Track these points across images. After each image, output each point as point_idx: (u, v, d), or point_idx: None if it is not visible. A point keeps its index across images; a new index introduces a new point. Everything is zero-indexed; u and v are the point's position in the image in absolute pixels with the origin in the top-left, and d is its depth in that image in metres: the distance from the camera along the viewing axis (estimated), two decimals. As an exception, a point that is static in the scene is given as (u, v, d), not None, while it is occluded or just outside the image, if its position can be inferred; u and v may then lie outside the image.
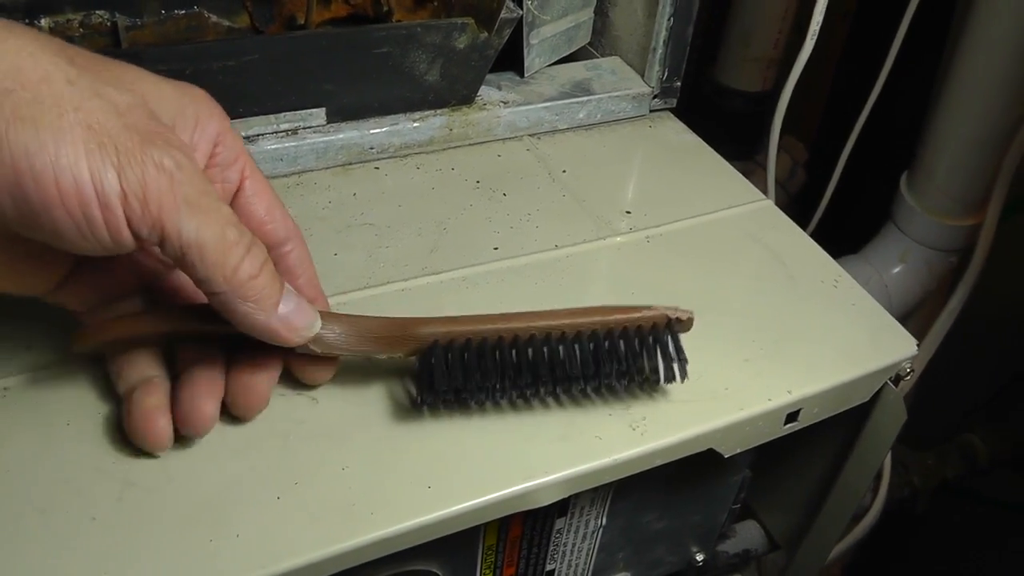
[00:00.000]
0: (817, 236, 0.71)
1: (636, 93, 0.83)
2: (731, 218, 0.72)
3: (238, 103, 0.66)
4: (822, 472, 0.73)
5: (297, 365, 0.52)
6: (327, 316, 0.49)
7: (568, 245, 0.67)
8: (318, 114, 0.70)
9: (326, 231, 0.66)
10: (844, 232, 1.17)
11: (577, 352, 0.51)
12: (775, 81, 1.49)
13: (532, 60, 0.81)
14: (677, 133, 0.83)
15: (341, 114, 0.72)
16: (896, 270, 1.19)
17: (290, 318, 0.46)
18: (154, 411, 0.48)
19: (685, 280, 0.65)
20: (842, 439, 0.69)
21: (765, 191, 0.80)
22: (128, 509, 0.46)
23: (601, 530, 0.67)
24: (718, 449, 0.56)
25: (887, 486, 1.22)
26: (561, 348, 0.51)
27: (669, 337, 0.53)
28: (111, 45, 0.69)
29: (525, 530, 0.62)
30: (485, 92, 0.78)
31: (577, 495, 0.59)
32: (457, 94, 0.75)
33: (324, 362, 0.52)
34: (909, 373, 0.63)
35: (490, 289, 0.63)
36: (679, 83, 0.85)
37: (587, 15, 0.86)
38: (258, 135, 0.69)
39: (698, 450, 0.55)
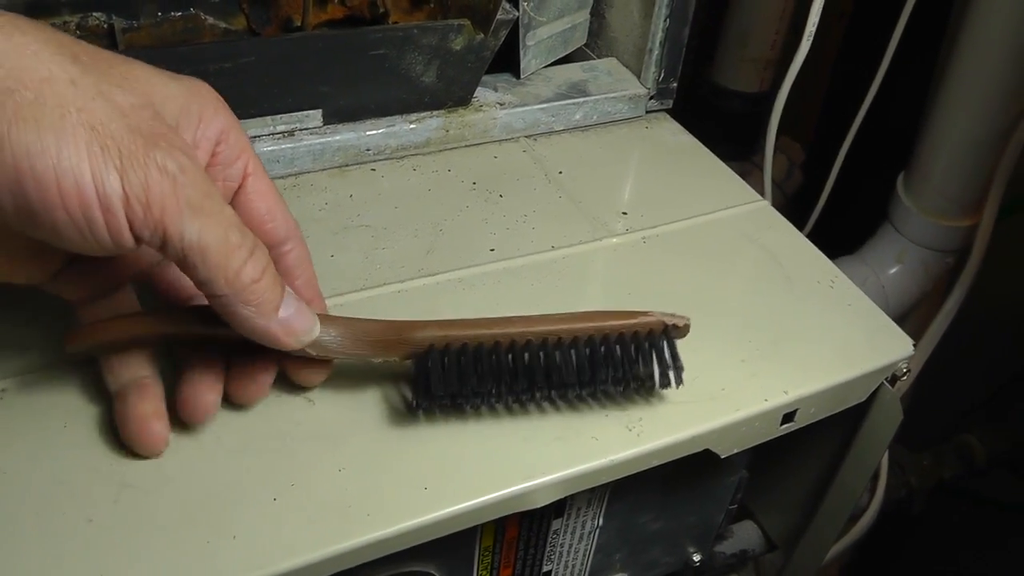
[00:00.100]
0: (814, 237, 0.71)
1: (632, 94, 0.83)
2: (727, 219, 0.72)
3: (234, 105, 0.65)
4: (819, 472, 0.73)
5: (291, 367, 0.52)
6: (323, 319, 0.49)
7: (564, 246, 0.67)
8: (314, 116, 0.70)
9: (322, 233, 0.66)
10: (841, 233, 1.17)
11: (573, 358, 0.51)
12: (772, 82, 1.49)
13: (528, 61, 0.81)
14: (673, 134, 0.83)
15: (338, 116, 0.72)
16: (893, 271, 1.19)
17: (290, 322, 0.46)
18: (150, 417, 0.48)
19: (681, 281, 0.65)
20: (839, 439, 0.69)
21: (762, 192, 0.80)
22: (125, 511, 0.46)
23: (598, 531, 0.67)
24: (714, 450, 0.56)
25: (884, 487, 1.22)
26: (557, 354, 0.51)
27: (665, 343, 0.53)
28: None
29: (522, 531, 0.62)
30: (481, 93, 0.78)
31: (574, 496, 0.59)
32: (453, 96, 0.75)
33: (318, 364, 0.52)
34: (905, 373, 0.63)
35: (486, 290, 0.63)
36: (675, 84, 0.85)
37: (583, 16, 0.87)
38: (255, 137, 0.69)
39: (694, 451, 0.55)
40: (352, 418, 0.52)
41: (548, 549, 0.65)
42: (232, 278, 0.42)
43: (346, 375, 0.54)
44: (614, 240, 0.69)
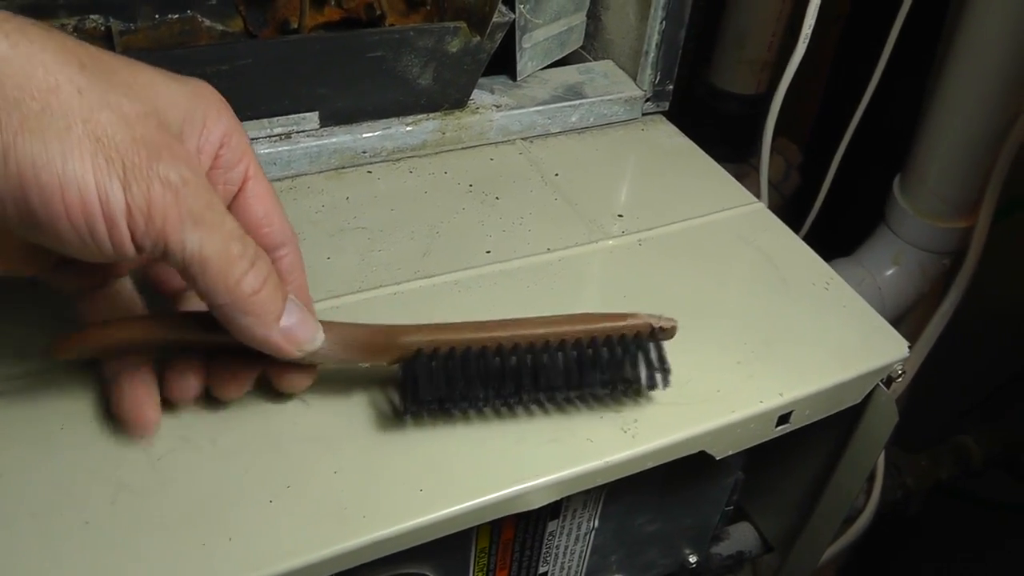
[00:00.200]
0: (811, 238, 0.71)
1: (628, 97, 0.83)
2: (723, 221, 0.72)
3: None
4: (815, 474, 0.73)
5: (275, 373, 0.51)
6: None
7: (560, 248, 0.67)
8: (311, 118, 0.71)
9: (319, 235, 0.66)
10: (838, 234, 1.17)
11: (560, 361, 0.52)
12: (769, 84, 1.49)
13: (525, 64, 0.81)
14: (669, 136, 0.83)
15: (334, 118, 0.72)
16: (889, 272, 1.19)
17: (292, 331, 0.46)
18: (144, 403, 0.49)
19: (677, 283, 0.66)
20: (834, 441, 0.70)
21: (758, 194, 0.80)
22: (121, 512, 0.46)
23: (594, 532, 0.67)
24: (710, 451, 0.56)
25: (880, 488, 1.22)
26: (545, 357, 0.51)
27: (652, 345, 0.53)
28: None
29: (517, 533, 0.62)
30: (478, 96, 0.79)
31: (569, 498, 0.59)
32: (450, 98, 0.76)
33: (302, 370, 0.51)
34: (901, 375, 0.63)
35: (482, 292, 0.63)
36: (671, 87, 0.85)
37: (579, 19, 0.87)
38: (252, 139, 0.69)
39: (690, 452, 0.55)
40: (348, 420, 0.52)
41: (544, 551, 0.65)
42: (232, 288, 0.43)
43: (342, 378, 0.54)
44: (610, 242, 0.69)
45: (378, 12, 0.76)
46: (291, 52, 0.67)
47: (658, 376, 0.53)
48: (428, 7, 0.78)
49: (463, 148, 0.78)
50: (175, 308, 0.53)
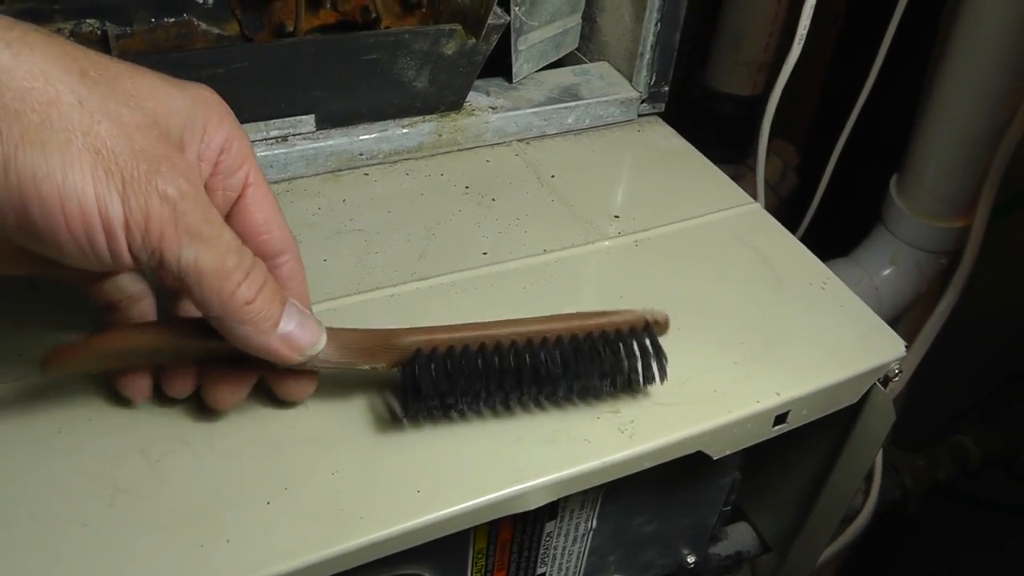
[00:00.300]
0: (808, 239, 0.72)
1: (624, 98, 0.84)
2: (719, 221, 0.73)
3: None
4: (812, 474, 0.74)
5: (276, 382, 0.51)
6: None
7: (557, 249, 0.67)
8: (307, 121, 0.71)
9: (316, 237, 0.66)
10: (835, 235, 1.17)
11: (558, 354, 0.52)
12: (765, 85, 1.49)
13: (520, 66, 0.81)
14: (665, 137, 0.84)
15: (330, 121, 0.72)
16: (886, 272, 1.19)
17: (292, 337, 0.46)
18: (140, 374, 0.49)
19: (673, 284, 0.66)
20: (832, 441, 0.70)
21: (755, 194, 0.80)
22: (119, 515, 0.46)
23: (591, 533, 0.67)
24: (707, 451, 0.56)
25: (878, 488, 1.22)
26: (542, 352, 0.52)
27: (647, 339, 0.54)
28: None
29: (515, 533, 0.62)
30: (474, 98, 0.79)
31: (567, 498, 0.59)
32: (446, 100, 0.76)
33: (303, 378, 0.51)
34: (898, 374, 0.63)
35: (479, 294, 0.63)
36: (667, 88, 0.85)
37: (575, 21, 0.87)
38: (248, 142, 0.69)
39: (687, 452, 0.55)
40: (345, 422, 0.52)
41: (542, 551, 0.65)
42: (227, 300, 0.43)
43: (339, 381, 0.54)
44: (606, 243, 0.69)
45: (374, 15, 0.77)
46: (287, 55, 0.67)
47: (654, 366, 0.53)
48: (423, 10, 0.78)
49: (459, 150, 0.78)
50: (177, 306, 0.52)
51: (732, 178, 0.79)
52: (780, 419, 0.59)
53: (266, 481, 0.48)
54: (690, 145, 0.83)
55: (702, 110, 1.53)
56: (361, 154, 0.73)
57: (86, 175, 0.38)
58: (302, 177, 0.72)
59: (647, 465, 0.54)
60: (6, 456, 0.48)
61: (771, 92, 0.97)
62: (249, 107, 0.68)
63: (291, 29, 0.76)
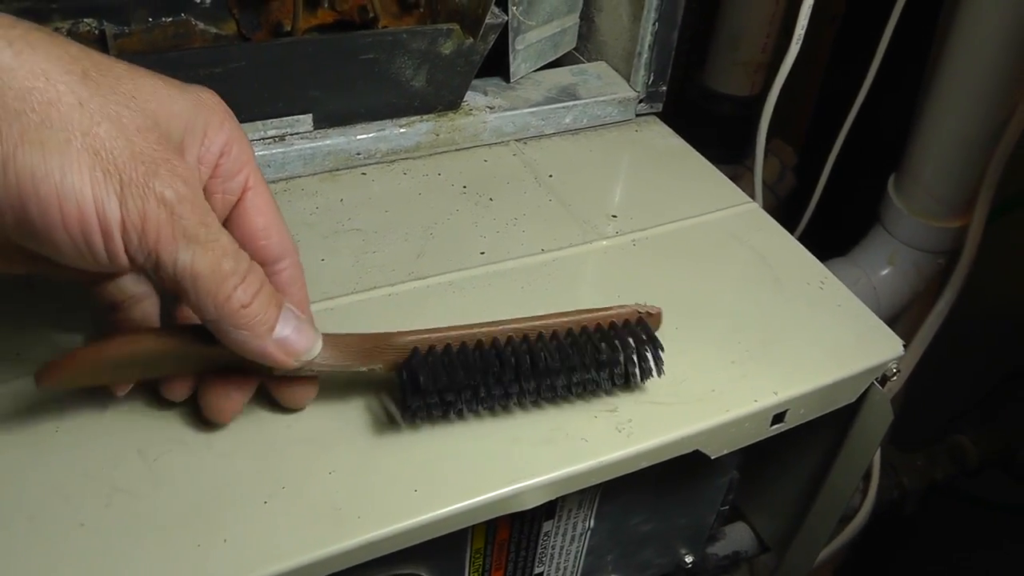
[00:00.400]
0: (806, 239, 0.71)
1: (622, 98, 0.84)
2: (717, 221, 0.73)
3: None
4: (810, 473, 0.74)
5: (277, 388, 0.51)
6: None
7: (554, 249, 0.67)
8: (305, 120, 0.71)
9: (313, 237, 0.66)
10: (833, 234, 1.17)
11: (555, 348, 0.52)
12: (763, 85, 1.49)
13: (518, 65, 0.81)
14: (663, 137, 0.84)
15: (328, 120, 0.72)
16: (884, 272, 1.19)
17: (287, 342, 0.46)
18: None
19: (671, 283, 0.66)
20: (830, 440, 0.70)
21: (753, 194, 0.80)
22: (116, 514, 0.46)
23: (589, 533, 0.67)
24: (704, 450, 0.56)
25: (876, 487, 1.22)
26: (540, 345, 0.52)
27: (642, 331, 0.54)
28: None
29: (513, 533, 0.62)
30: (471, 97, 0.79)
31: (564, 498, 0.59)
32: (443, 100, 0.76)
33: (304, 384, 0.51)
34: (895, 374, 0.63)
35: (477, 293, 0.63)
36: (665, 88, 0.85)
37: (572, 20, 0.87)
38: (245, 142, 0.69)
39: (684, 452, 0.55)
40: (342, 421, 0.52)
41: (539, 551, 0.65)
42: (222, 304, 0.43)
43: (337, 382, 0.54)
44: (604, 243, 0.69)
45: (371, 14, 0.77)
46: (284, 55, 0.67)
47: (651, 361, 0.54)
48: (421, 9, 0.78)
49: (457, 150, 0.78)
50: (177, 309, 0.52)
51: (730, 178, 0.79)
52: (778, 418, 0.59)
53: (263, 481, 0.48)
54: (688, 145, 0.83)
55: (700, 110, 1.53)
56: (359, 153, 0.73)
57: (84, 176, 0.38)
58: (300, 177, 0.72)
59: (644, 464, 0.54)
60: (3, 456, 0.48)
61: (769, 92, 0.97)
62: (247, 107, 0.68)
63: (289, 28, 0.76)
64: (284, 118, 0.70)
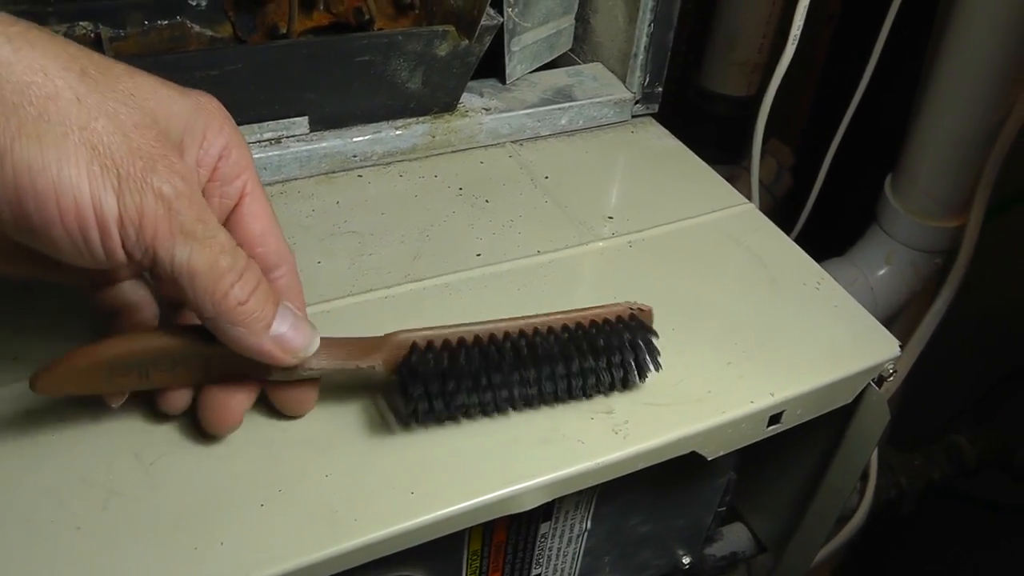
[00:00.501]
0: (803, 239, 0.72)
1: (618, 99, 0.84)
2: (713, 222, 0.73)
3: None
4: (807, 474, 0.74)
5: (276, 395, 0.51)
6: None
7: (550, 251, 0.67)
8: (301, 123, 0.71)
9: (309, 239, 0.66)
10: (830, 235, 1.18)
11: (554, 339, 0.52)
12: (760, 86, 1.49)
13: (514, 67, 0.81)
14: (659, 138, 0.84)
15: (324, 122, 0.72)
16: (881, 272, 1.19)
17: (284, 339, 0.46)
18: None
19: (667, 284, 0.66)
20: (827, 441, 0.70)
21: (750, 195, 0.80)
22: (113, 518, 0.46)
23: (586, 534, 0.67)
24: (701, 452, 0.56)
25: (874, 488, 1.22)
26: (538, 339, 0.52)
27: (637, 326, 0.54)
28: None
29: (510, 535, 0.62)
30: (467, 99, 0.79)
31: (561, 499, 0.59)
32: (439, 101, 0.76)
33: (303, 391, 0.51)
34: (892, 374, 0.63)
35: (473, 295, 0.63)
36: (661, 89, 0.85)
37: (568, 22, 0.87)
38: (241, 144, 0.69)
39: (681, 453, 0.55)
40: (338, 424, 0.52)
41: (537, 553, 0.65)
42: (219, 301, 0.43)
43: (334, 383, 0.54)
44: (600, 244, 0.69)
45: (367, 16, 0.77)
46: (280, 57, 0.67)
47: (647, 356, 0.54)
48: (416, 11, 0.78)
49: (453, 151, 0.78)
50: (178, 317, 0.52)
51: (727, 179, 0.79)
52: (774, 419, 0.59)
53: (260, 483, 0.48)
54: (684, 146, 0.83)
55: (697, 111, 1.53)
56: (355, 156, 0.73)
57: (81, 170, 0.38)
58: (296, 179, 0.72)
59: (641, 466, 0.54)
60: (0, 460, 0.48)
61: (765, 93, 0.97)
62: (243, 109, 0.67)
63: (284, 31, 0.76)
64: (280, 120, 0.70)
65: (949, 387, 1.38)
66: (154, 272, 0.42)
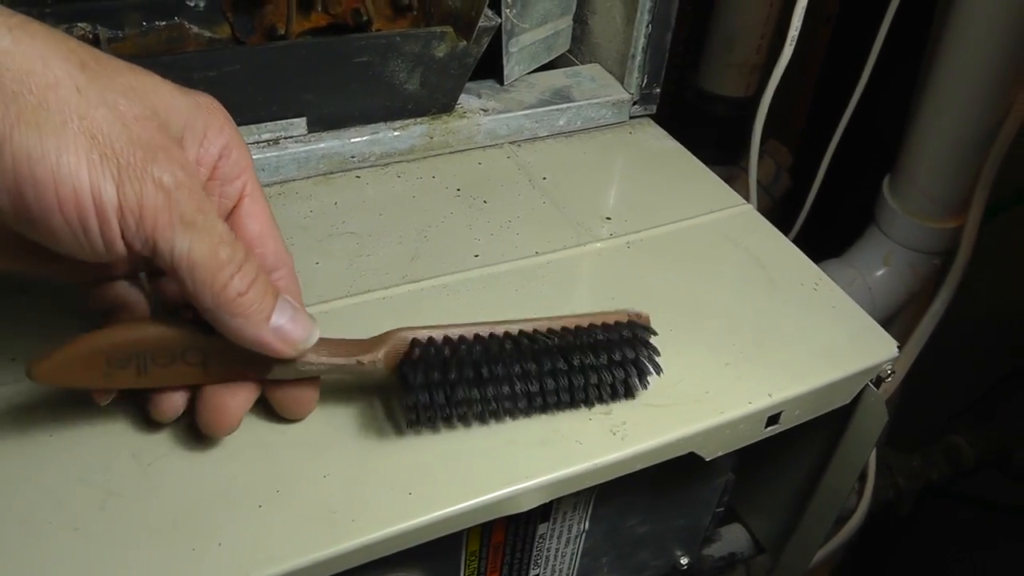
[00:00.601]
0: (801, 240, 0.72)
1: (616, 100, 0.84)
2: (711, 223, 0.73)
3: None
4: (806, 474, 0.74)
5: (276, 398, 0.51)
6: None
7: (548, 252, 0.67)
8: (299, 124, 0.71)
9: (307, 240, 0.66)
10: (828, 235, 1.18)
11: (555, 340, 0.52)
12: (758, 86, 1.49)
13: (512, 68, 0.81)
14: (657, 139, 0.84)
15: (322, 123, 0.72)
16: (880, 273, 1.20)
17: (284, 331, 0.46)
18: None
19: (665, 285, 0.66)
20: (825, 442, 0.70)
21: (748, 196, 0.80)
22: (110, 519, 0.46)
23: (584, 535, 0.67)
24: (699, 452, 0.56)
25: (872, 488, 1.22)
26: (540, 337, 0.52)
27: (636, 331, 0.54)
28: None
29: (508, 536, 0.62)
30: (465, 100, 0.79)
31: (559, 500, 0.59)
32: (437, 102, 0.76)
33: (303, 393, 0.51)
34: (890, 375, 0.63)
35: (471, 296, 0.63)
36: (659, 90, 0.85)
37: (566, 23, 0.87)
38: (239, 145, 0.69)
39: (679, 454, 0.55)
40: (336, 425, 0.52)
41: (535, 553, 0.65)
42: (219, 292, 0.43)
43: (332, 384, 0.54)
44: (598, 245, 0.69)
45: (365, 17, 0.77)
46: (278, 58, 0.67)
47: (646, 360, 0.54)
48: (415, 12, 0.78)
49: (451, 152, 0.78)
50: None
51: (725, 179, 0.79)
52: (772, 420, 0.59)
53: (257, 484, 0.48)
54: (682, 147, 0.83)
55: (695, 112, 1.53)
56: (353, 157, 0.73)
57: (81, 159, 0.38)
58: (294, 180, 0.72)
59: (639, 466, 0.54)
60: (-3, 460, 0.48)
61: (764, 93, 0.97)
62: (241, 110, 0.67)
63: (282, 32, 0.76)
64: (278, 121, 0.70)
65: (947, 388, 1.38)
66: (153, 264, 0.42)
